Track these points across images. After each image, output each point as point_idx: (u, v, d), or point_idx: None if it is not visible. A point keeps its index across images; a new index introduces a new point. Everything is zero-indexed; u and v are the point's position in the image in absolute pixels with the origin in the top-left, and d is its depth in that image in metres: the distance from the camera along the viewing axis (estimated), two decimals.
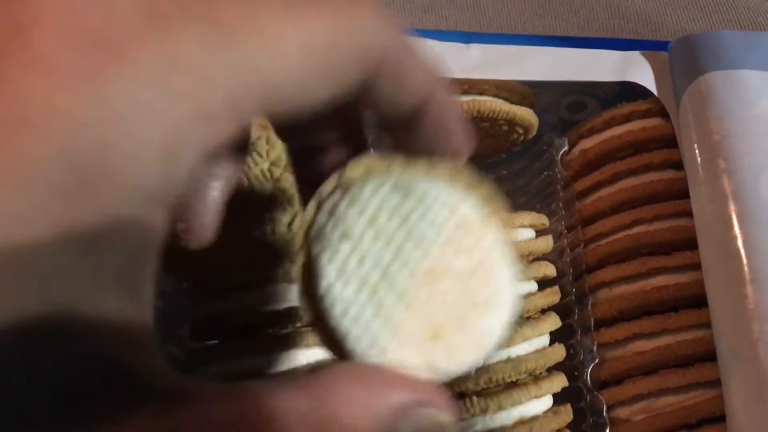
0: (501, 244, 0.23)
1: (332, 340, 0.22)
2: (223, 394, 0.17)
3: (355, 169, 0.23)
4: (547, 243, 0.45)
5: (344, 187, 0.23)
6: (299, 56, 0.18)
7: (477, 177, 0.23)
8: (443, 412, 0.21)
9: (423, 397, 0.20)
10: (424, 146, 0.24)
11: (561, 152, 0.53)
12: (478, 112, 0.47)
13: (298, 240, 0.23)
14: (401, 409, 0.20)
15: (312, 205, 0.23)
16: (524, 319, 0.42)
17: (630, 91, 0.49)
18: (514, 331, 0.41)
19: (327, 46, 0.18)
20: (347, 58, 0.19)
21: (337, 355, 0.22)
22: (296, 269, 0.23)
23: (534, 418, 0.40)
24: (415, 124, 0.23)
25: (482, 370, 0.40)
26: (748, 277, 0.39)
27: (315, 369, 0.21)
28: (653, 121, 0.49)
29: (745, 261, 0.39)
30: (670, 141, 0.47)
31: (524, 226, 0.45)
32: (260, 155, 0.39)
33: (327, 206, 0.23)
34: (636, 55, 0.49)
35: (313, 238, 0.23)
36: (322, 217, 0.23)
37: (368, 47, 0.20)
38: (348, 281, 0.22)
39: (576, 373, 0.45)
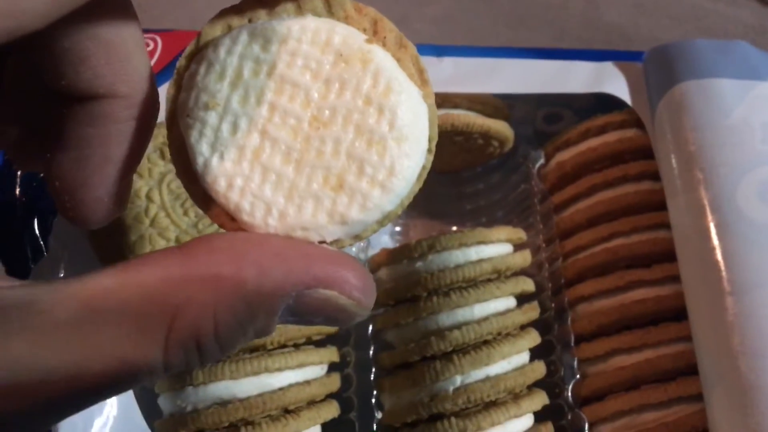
0: (392, 63, 0.21)
1: (228, 216, 0.21)
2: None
3: (212, 28, 0.21)
4: (524, 258, 0.44)
5: (199, 55, 0.21)
6: None
7: (356, 3, 0.21)
8: (344, 294, 0.19)
9: (318, 273, 0.19)
10: None
11: (537, 165, 0.52)
12: (452, 126, 0.46)
13: (167, 124, 0.21)
14: (279, 289, 0.18)
15: (170, 84, 0.21)
16: (503, 336, 0.41)
17: (605, 102, 0.49)
18: (492, 348, 0.40)
19: None
20: None
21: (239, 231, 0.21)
22: (171, 153, 0.21)
23: None
24: None
25: (460, 389, 0.39)
26: (727, 288, 0.39)
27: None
28: (629, 132, 0.48)
29: (724, 273, 0.39)
30: (646, 152, 0.47)
31: (501, 241, 0.44)
32: None
33: (185, 81, 0.21)
34: (609, 66, 0.49)
35: (178, 117, 0.21)
36: (182, 94, 0.21)
37: None
38: (225, 152, 0.20)
39: (557, 390, 0.45)
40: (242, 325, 0.18)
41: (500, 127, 0.49)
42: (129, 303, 0.17)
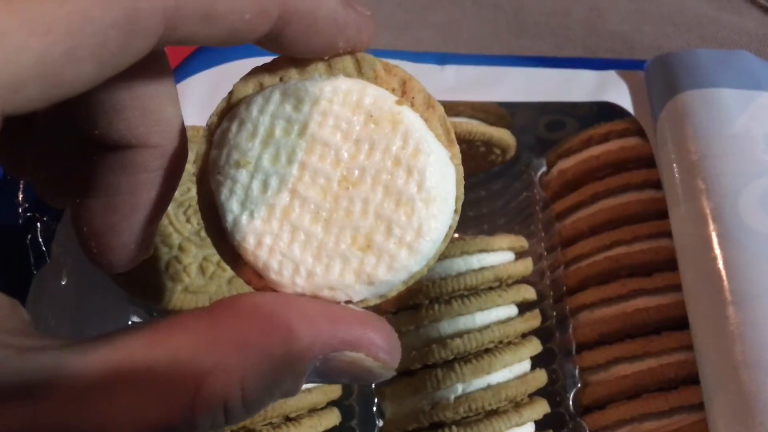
0: (421, 125, 0.21)
1: (255, 274, 0.20)
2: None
3: (244, 86, 0.21)
4: (526, 266, 0.44)
5: (232, 113, 0.21)
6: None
7: (385, 63, 0.21)
8: (370, 356, 0.19)
9: (344, 336, 0.19)
10: (308, 48, 0.21)
11: (539, 173, 0.53)
12: (455, 134, 0.46)
13: (196, 180, 0.21)
14: (307, 352, 0.18)
15: (202, 140, 0.21)
16: (504, 345, 0.41)
17: (608, 110, 0.49)
18: (493, 356, 0.40)
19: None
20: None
21: (267, 290, 0.21)
22: (200, 209, 0.21)
23: None
24: (285, 32, 0.20)
25: (461, 397, 0.39)
26: (729, 298, 0.39)
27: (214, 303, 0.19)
28: (631, 141, 0.48)
29: (725, 282, 0.39)
30: (648, 160, 0.47)
31: (503, 249, 0.44)
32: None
33: (217, 138, 0.21)
34: (612, 75, 0.49)
35: (209, 173, 0.21)
36: (213, 151, 0.21)
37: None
38: (255, 210, 0.20)
39: (558, 399, 0.45)
40: (269, 389, 0.18)
41: (502, 135, 0.49)
42: (157, 367, 0.17)
